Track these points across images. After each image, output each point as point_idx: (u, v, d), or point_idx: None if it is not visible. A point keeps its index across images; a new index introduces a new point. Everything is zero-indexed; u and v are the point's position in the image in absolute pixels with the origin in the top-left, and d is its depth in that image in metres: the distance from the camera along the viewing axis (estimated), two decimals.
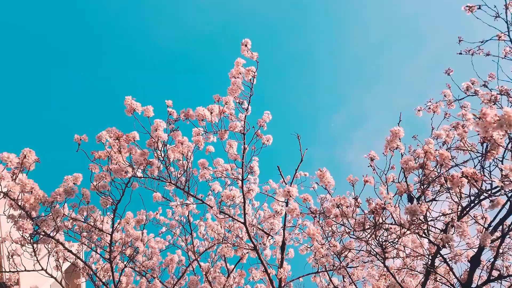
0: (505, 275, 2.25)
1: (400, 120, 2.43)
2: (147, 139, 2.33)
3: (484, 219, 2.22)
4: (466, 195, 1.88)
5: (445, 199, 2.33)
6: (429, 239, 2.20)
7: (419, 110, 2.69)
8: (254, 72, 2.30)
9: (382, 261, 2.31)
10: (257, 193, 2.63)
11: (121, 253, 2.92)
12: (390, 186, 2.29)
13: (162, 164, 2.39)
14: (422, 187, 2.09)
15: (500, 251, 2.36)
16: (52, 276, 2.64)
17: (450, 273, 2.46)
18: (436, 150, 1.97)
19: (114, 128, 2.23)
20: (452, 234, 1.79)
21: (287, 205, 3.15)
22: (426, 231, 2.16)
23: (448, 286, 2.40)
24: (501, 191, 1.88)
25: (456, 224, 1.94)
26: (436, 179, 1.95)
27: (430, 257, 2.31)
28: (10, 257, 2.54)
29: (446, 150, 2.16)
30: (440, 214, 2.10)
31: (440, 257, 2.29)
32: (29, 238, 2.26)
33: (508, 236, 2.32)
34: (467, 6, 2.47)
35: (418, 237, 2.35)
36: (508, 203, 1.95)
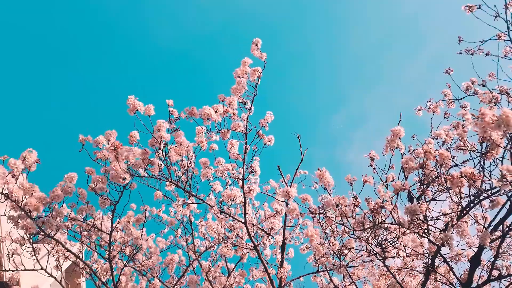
0: (505, 274, 2.26)
1: (400, 120, 2.44)
2: (148, 138, 2.33)
3: (484, 219, 2.23)
4: (466, 195, 1.89)
5: (445, 199, 2.33)
6: (429, 239, 2.20)
7: (419, 110, 2.70)
8: (260, 73, 2.30)
9: (382, 260, 2.31)
10: (258, 193, 2.63)
11: (121, 252, 2.92)
12: (390, 186, 2.29)
13: (163, 163, 2.40)
14: (422, 187, 2.09)
15: (500, 250, 2.36)
16: (52, 276, 2.64)
17: (450, 272, 2.46)
18: (436, 150, 1.97)
19: (114, 131, 2.24)
20: (452, 233, 1.79)
21: (287, 205, 3.15)
22: (426, 230, 2.16)
23: (448, 286, 2.41)
24: (501, 191, 1.88)
25: (456, 223, 1.94)
26: (436, 179, 1.96)
27: (430, 257, 2.31)
28: (10, 256, 2.54)
29: (446, 150, 2.17)
30: (440, 213, 2.10)
31: (440, 257, 2.29)
32: (29, 238, 2.27)
33: (508, 235, 2.33)
34: (467, 6, 2.47)
35: (418, 236, 2.36)
36: (508, 202, 1.95)
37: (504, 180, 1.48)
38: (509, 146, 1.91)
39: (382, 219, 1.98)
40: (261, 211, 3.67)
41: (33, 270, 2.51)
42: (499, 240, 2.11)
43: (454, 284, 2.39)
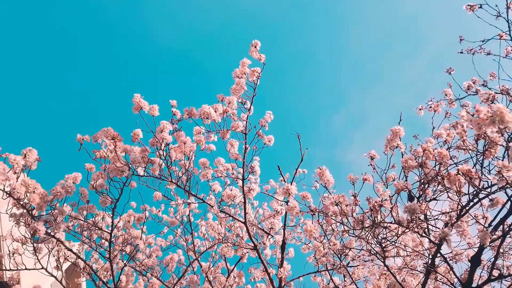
0: (506, 274, 2.25)
1: (400, 120, 2.43)
2: (149, 137, 2.34)
3: (485, 218, 2.22)
4: (465, 194, 1.89)
5: (446, 198, 2.33)
6: (429, 238, 2.20)
7: (420, 109, 2.69)
8: (259, 73, 2.31)
9: (382, 260, 2.31)
10: (258, 193, 2.63)
11: (121, 251, 2.92)
12: (390, 185, 2.29)
13: (164, 163, 2.40)
14: (422, 186, 2.09)
15: (501, 250, 2.35)
16: (52, 275, 2.65)
17: (451, 272, 2.46)
18: (435, 149, 1.97)
19: (110, 128, 2.25)
20: (451, 231, 1.78)
21: (287, 205, 3.15)
22: (426, 230, 2.16)
23: (449, 286, 2.40)
24: (501, 189, 1.88)
25: (456, 222, 1.94)
26: (435, 178, 1.96)
27: (431, 256, 2.31)
28: (11, 255, 2.54)
29: (447, 149, 2.16)
30: (440, 212, 2.10)
31: (441, 257, 2.29)
32: (31, 237, 2.27)
33: (508, 235, 2.32)
34: (468, 5, 2.46)
35: (418, 236, 2.35)
36: (509, 202, 1.95)
37: (500, 175, 1.48)
38: (505, 144, 1.90)
39: (381, 218, 1.98)
40: (261, 210, 3.67)
41: (34, 269, 2.52)
42: (500, 240, 2.11)
43: (454, 284, 2.39)
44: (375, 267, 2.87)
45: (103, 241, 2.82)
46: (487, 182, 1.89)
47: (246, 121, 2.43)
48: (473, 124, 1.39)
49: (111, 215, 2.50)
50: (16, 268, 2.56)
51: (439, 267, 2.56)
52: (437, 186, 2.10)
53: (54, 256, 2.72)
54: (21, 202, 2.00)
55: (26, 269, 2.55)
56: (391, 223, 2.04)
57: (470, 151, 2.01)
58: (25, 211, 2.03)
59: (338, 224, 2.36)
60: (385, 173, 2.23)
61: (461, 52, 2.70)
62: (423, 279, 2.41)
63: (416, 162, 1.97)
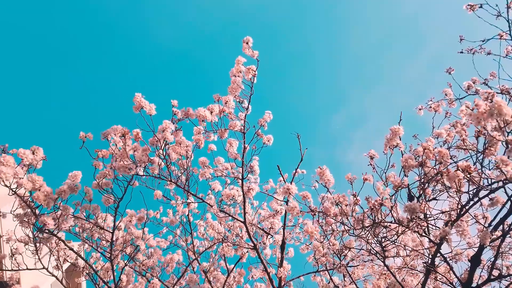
0: (506, 274, 2.25)
1: (400, 120, 2.43)
2: (149, 136, 2.34)
3: (485, 218, 2.22)
4: (465, 192, 1.88)
5: (446, 198, 2.32)
6: (429, 238, 2.20)
7: (420, 109, 2.68)
8: (255, 71, 2.30)
9: (382, 260, 2.31)
10: (257, 193, 2.63)
11: (122, 251, 2.92)
12: (390, 185, 2.29)
13: (163, 162, 2.40)
14: (422, 185, 2.08)
15: (501, 250, 2.35)
16: (53, 275, 2.65)
17: (450, 272, 2.46)
18: (435, 148, 1.97)
19: (119, 126, 2.26)
20: (451, 229, 1.78)
21: (287, 204, 3.15)
22: (426, 229, 2.16)
23: (448, 285, 2.40)
24: (501, 188, 1.88)
25: (456, 221, 1.94)
26: (435, 177, 1.96)
27: (430, 256, 2.31)
28: (12, 255, 2.54)
29: (447, 149, 2.16)
30: (440, 212, 2.10)
31: (440, 256, 2.29)
32: (33, 237, 2.27)
33: (508, 235, 2.32)
34: (468, 5, 2.46)
35: (418, 236, 2.35)
36: (509, 202, 1.95)
37: (498, 170, 1.48)
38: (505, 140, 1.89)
39: (381, 218, 1.98)
40: (260, 210, 3.67)
41: (35, 269, 2.52)
42: (500, 239, 2.11)
43: (454, 283, 2.39)
44: (374, 267, 2.87)
45: (104, 240, 2.82)
46: (487, 180, 1.89)
47: (244, 120, 2.43)
48: (472, 118, 1.39)
49: (114, 215, 2.50)
50: (17, 268, 2.56)
51: (439, 267, 2.56)
52: (437, 186, 2.10)
53: (54, 255, 2.72)
54: (26, 202, 2.00)
55: (27, 269, 2.56)
56: (391, 222, 2.04)
57: (470, 151, 2.01)
58: (29, 210, 2.02)
59: (338, 224, 2.36)
60: (385, 173, 2.23)
61: (461, 52, 2.69)
62: (423, 278, 2.41)
63: (416, 161, 1.97)
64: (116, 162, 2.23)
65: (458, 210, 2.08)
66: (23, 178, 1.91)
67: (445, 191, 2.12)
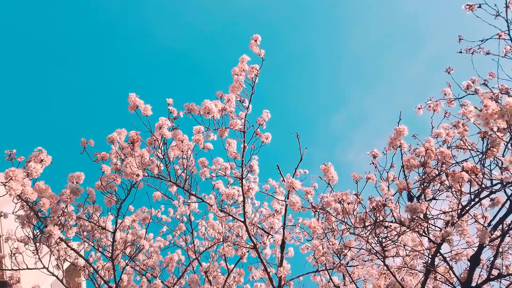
0: (505, 274, 2.26)
1: (400, 119, 2.43)
2: (147, 137, 2.34)
3: (484, 218, 2.22)
4: (467, 193, 1.89)
5: (445, 198, 2.33)
6: (429, 238, 2.20)
7: (419, 109, 2.69)
8: (258, 70, 2.31)
9: (382, 259, 2.32)
10: (257, 192, 2.63)
11: (123, 251, 2.92)
12: (391, 185, 2.29)
13: (162, 163, 2.40)
14: (422, 185, 2.09)
15: (500, 250, 2.36)
16: (53, 275, 2.65)
17: (450, 272, 2.46)
18: (437, 148, 1.97)
19: (124, 130, 2.25)
20: (453, 230, 1.78)
21: (286, 206, 3.16)
22: (426, 229, 2.16)
23: (448, 285, 2.41)
24: (502, 188, 1.88)
25: (457, 222, 1.94)
26: (437, 177, 1.96)
27: (430, 256, 2.31)
28: (12, 255, 2.54)
29: (446, 148, 2.16)
30: (441, 212, 2.10)
31: (440, 256, 2.29)
32: (33, 237, 2.27)
33: (508, 235, 2.32)
34: (467, 5, 2.46)
35: (418, 235, 2.36)
36: (508, 202, 1.95)
37: (507, 172, 1.48)
38: (510, 145, 1.90)
39: (383, 218, 1.98)
40: (261, 209, 3.67)
41: (35, 269, 2.52)
42: (499, 239, 2.11)
43: (453, 283, 2.39)
44: (374, 266, 2.87)
45: (104, 240, 2.82)
46: (490, 181, 1.90)
47: (245, 119, 2.43)
48: (481, 118, 1.39)
49: (116, 216, 2.50)
50: (17, 268, 2.56)
51: (438, 266, 2.56)
52: (438, 186, 2.10)
53: (54, 255, 2.72)
54: (30, 206, 2.00)
55: (27, 268, 2.55)
56: (391, 222, 2.04)
57: (470, 151, 2.02)
58: (32, 213, 2.02)
59: (338, 223, 2.36)
60: (387, 172, 2.23)
61: (460, 52, 2.70)
62: (422, 278, 2.41)
63: (418, 161, 1.98)
64: (122, 165, 2.23)
65: (459, 210, 2.08)
66: (29, 188, 1.90)
67: (445, 191, 2.13)
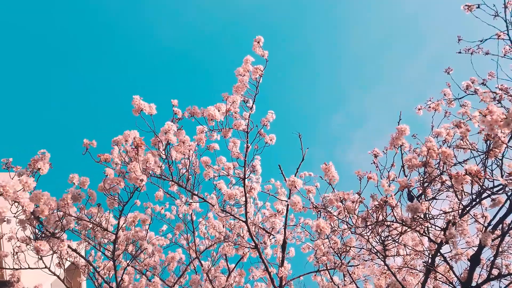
0: (505, 273, 2.26)
1: (400, 119, 2.44)
2: (149, 137, 2.35)
3: (484, 218, 2.23)
4: (468, 193, 1.89)
5: (445, 198, 2.33)
6: (429, 238, 2.21)
7: (419, 109, 2.70)
8: (262, 71, 2.32)
9: (383, 259, 2.32)
10: (259, 192, 2.64)
11: (125, 251, 2.92)
12: (391, 184, 2.29)
13: (164, 163, 2.41)
14: (423, 185, 2.09)
15: (500, 249, 2.36)
16: (55, 274, 2.65)
17: (450, 271, 2.47)
18: (439, 147, 1.98)
19: (134, 131, 2.25)
20: (456, 231, 1.79)
21: (288, 205, 3.16)
22: (426, 229, 2.17)
23: (448, 285, 2.41)
24: (503, 189, 1.89)
25: (458, 222, 1.95)
26: (438, 177, 1.96)
27: (430, 256, 2.32)
28: (14, 254, 2.55)
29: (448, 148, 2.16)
30: (441, 212, 2.11)
31: (440, 256, 2.30)
32: (35, 238, 2.27)
33: (508, 234, 2.33)
34: (466, 5, 2.48)
35: (419, 235, 2.36)
36: (508, 202, 1.96)
37: (509, 178, 1.49)
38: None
39: (384, 217, 1.99)
40: (263, 210, 3.67)
41: (36, 268, 2.52)
42: (499, 239, 2.12)
43: (454, 283, 2.39)
44: (375, 266, 2.87)
45: (105, 240, 2.82)
46: (492, 182, 1.90)
47: (248, 120, 2.45)
48: (486, 124, 1.39)
49: (118, 218, 2.50)
50: (19, 267, 2.56)
51: (439, 266, 2.56)
52: (439, 186, 2.11)
53: (56, 253, 2.72)
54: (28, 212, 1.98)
55: (29, 268, 2.55)
56: (392, 221, 2.05)
57: (472, 151, 2.02)
58: (32, 217, 2.02)
59: (339, 222, 2.36)
60: (388, 171, 2.23)
61: (460, 52, 2.71)
62: (423, 278, 2.42)
63: (420, 161, 1.98)
64: (128, 170, 2.22)
65: (460, 210, 2.08)
66: (26, 200, 1.85)
67: (446, 190, 2.13)
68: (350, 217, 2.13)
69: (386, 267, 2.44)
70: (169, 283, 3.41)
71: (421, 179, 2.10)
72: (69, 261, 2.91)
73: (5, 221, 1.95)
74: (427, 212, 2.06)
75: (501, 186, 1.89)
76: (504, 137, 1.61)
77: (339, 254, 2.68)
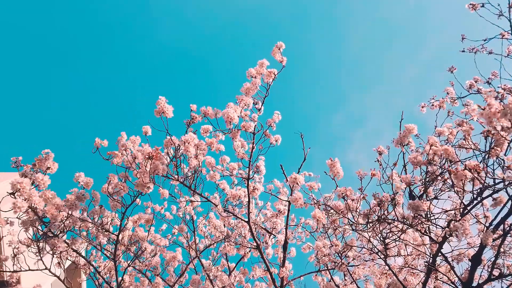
0: (506, 274, 2.26)
1: (402, 119, 2.43)
2: (156, 135, 2.33)
3: (486, 218, 2.22)
4: (469, 191, 1.89)
5: (447, 198, 2.33)
6: (430, 237, 2.20)
7: (422, 107, 2.68)
8: (275, 75, 2.33)
9: (384, 259, 2.31)
10: (261, 192, 2.63)
11: (126, 251, 2.91)
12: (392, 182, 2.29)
13: (174, 161, 2.38)
14: (424, 185, 2.09)
15: (501, 250, 2.36)
16: (55, 275, 2.64)
17: (451, 271, 2.46)
18: (441, 145, 1.97)
19: (138, 137, 2.23)
20: (460, 224, 1.77)
21: (289, 205, 3.16)
22: (427, 228, 2.16)
23: (449, 285, 2.41)
24: (504, 188, 1.88)
25: (460, 219, 1.94)
26: (440, 176, 1.96)
27: (432, 256, 2.31)
28: (14, 256, 2.53)
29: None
30: (443, 211, 2.10)
31: (442, 256, 2.29)
32: (36, 240, 2.26)
33: (509, 235, 2.32)
34: (470, 4, 2.46)
35: (420, 234, 2.36)
36: (510, 202, 1.95)
37: (509, 171, 1.48)
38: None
39: (385, 215, 1.98)
40: (264, 210, 3.66)
41: (37, 270, 2.50)
42: (500, 239, 2.12)
43: (455, 283, 2.39)
44: (375, 266, 2.87)
45: (104, 241, 2.81)
46: (493, 180, 1.89)
47: (256, 121, 2.44)
48: (484, 117, 1.39)
49: (120, 219, 2.49)
50: (19, 269, 2.55)
51: (440, 266, 2.56)
52: (440, 185, 2.10)
53: (56, 254, 2.71)
54: (35, 212, 1.98)
55: (29, 269, 2.54)
56: (394, 220, 2.04)
57: (474, 151, 2.02)
58: (36, 217, 2.01)
59: (340, 222, 2.36)
60: (391, 169, 2.23)
61: (463, 51, 2.70)
62: (424, 278, 2.41)
63: (425, 159, 1.97)
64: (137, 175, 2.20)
65: (461, 209, 2.08)
66: (36, 197, 1.88)
67: (448, 190, 2.13)
68: (351, 213, 2.12)
69: (387, 267, 2.44)
70: (169, 283, 3.40)
71: (422, 178, 2.09)
72: (70, 260, 2.90)
73: (8, 223, 1.95)
74: (428, 212, 2.05)
75: (502, 185, 1.88)
76: (506, 135, 1.59)
77: (339, 254, 2.68)
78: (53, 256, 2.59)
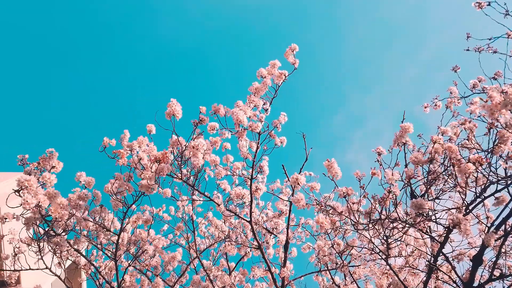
0: (507, 274, 2.26)
1: (403, 119, 2.42)
2: (162, 133, 2.31)
3: (487, 218, 2.22)
4: (472, 187, 1.87)
5: (448, 198, 2.32)
6: (431, 237, 2.20)
7: (426, 107, 2.67)
8: (286, 77, 2.31)
9: (385, 259, 2.31)
10: (264, 192, 2.62)
11: (127, 251, 2.91)
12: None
13: (178, 160, 2.36)
14: (426, 184, 2.08)
15: (503, 250, 2.36)
16: (56, 275, 2.63)
17: (452, 271, 2.47)
18: (445, 142, 1.96)
19: (146, 138, 2.20)
20: (464, 217, 1.76)
21: (290, 205, 3.15)
22: (429, 228, 2.16)
23: (450, 285, 2.41)
24: (507, 186, 1.87)
25: (463, 217, 1.93)
26: (442, 174, 1.95)
27: (433, 256, 2.31)
28: (15, 255, 2.52)
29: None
30: (446, 208, 2.10)
31: (443, 256, 2.29)
32: (37, 239, 2.25)
33: (510, 235, 2.32)
34: (477, 3, 2.43)
35: (421, 234, 2.35)
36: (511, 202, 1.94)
37: (510, 161, 1.47)
38: None
39: (387, 213, 1.98)
40: (265, 210, 3.66)
41: (38, 269, 2.49)
42: (502, 239, 2.11)
43: (456, 283, 2.39)
44: (376, 266, 2.87)
45: (105, 240, 2.80)
46: (496, 176, 1.88)
47: (263, 122, 2.44)
48: (486, 109, 1.38)
49: (121, 219, 2.48)
50: (20, 268, 2.54)
51: (441, 266, 2.56)
52: (442, 185, 2.09)
53: (57, 253, 2.69)
54: (39, 209, 1.97)
55: (30, 269, 2.53)
56: (395, 219, 2.03)
57: (477, 150, 2.00)
58: (39, 215, 1.99)
59: (341, 223, 2.35)
60: (392, 169, 2.22)
61: (468, 50, 2.67)
62: (424, 278, 2.42)
63: (427, 158, 1.96)
64: (137, 173, 2.19)
65: (464, 207, 2.07)
66: (41, 196, 1.87)
67: (449, 190, 2.12)
68: (353, 213, 2.12)
69: (387, 267, 2.44)
70: (169, 283, 3.40)
71: (424, 178, 2.08)
72: (71, 260, 2.89)
73: (14, 217, 1.94)
74: (428, 212, 2.05)
75: (505, 182, 1.87)
76: (510, 131, 1.58)
77: (340, 254, 2.68)
78: (53, 256, 2.57)
